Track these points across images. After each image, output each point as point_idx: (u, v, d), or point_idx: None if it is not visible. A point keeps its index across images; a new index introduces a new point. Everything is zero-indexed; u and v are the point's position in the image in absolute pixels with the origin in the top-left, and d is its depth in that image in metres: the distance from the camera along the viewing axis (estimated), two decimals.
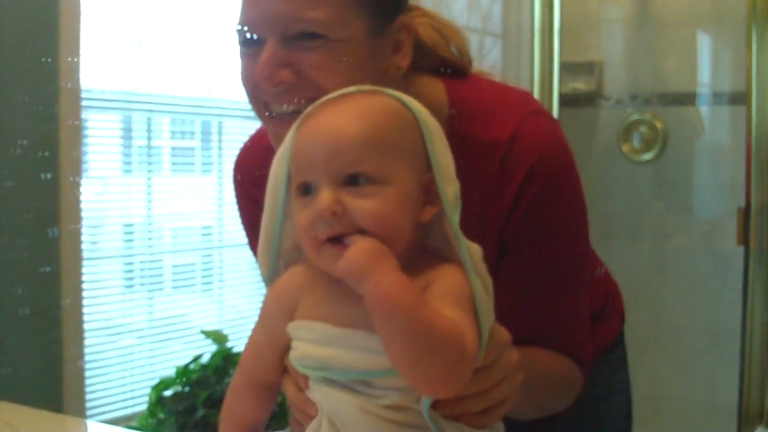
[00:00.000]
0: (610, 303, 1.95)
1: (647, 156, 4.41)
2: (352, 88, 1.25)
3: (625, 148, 4.43)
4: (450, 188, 1.20)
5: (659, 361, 4.40)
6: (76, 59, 3.03)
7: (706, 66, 4.54)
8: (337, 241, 1.14)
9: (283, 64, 1.40)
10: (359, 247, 1.11)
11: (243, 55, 1.47)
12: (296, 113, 1.33)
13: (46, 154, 2.94)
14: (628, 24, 4.61)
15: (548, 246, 1.56)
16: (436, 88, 1.60)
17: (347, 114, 1.19)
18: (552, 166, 1.54)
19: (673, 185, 4.50)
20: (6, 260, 2.87)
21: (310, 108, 1.24)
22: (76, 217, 3.08)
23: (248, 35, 1.45)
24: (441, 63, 1.63)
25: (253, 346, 1.30)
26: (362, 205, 1.14)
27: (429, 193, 1.19)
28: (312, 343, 1.18)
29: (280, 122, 1.44)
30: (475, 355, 1.12)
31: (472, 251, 1.19)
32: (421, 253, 1.21)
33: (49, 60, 2.97)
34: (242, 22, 1.45)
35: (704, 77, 4.53)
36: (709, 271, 4.39)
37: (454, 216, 1.18)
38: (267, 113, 1.47)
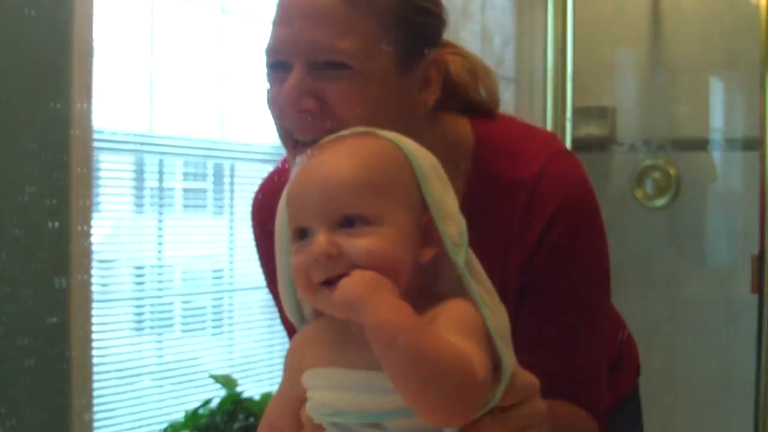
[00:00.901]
0: (625, 355, 1.93)
1: (660, 202, 4.40)
2: (345, 132, 1.26)
3: (638, 193, 4.42)
4: (451, 226, 1.20)
5: (672, 410, 4.36)
6: (87, 105, 3.03)
7: (719, 112, 4.54)
8: (333, 283, 1.12)
9: (309, 92, 1.40)
10: (355, 277, 1.10)
11: (270, 79, 1.47)
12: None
13: (54, 201, 2.93)
14: (641, 69, 4.61)
15: (569, 290, 1.54)
16: (462, 126, 1.59)
17: (339, 157, 1.20)
18: (577, 207, 1.54)
19: (687, 232, 4.48)
20: (11, 311, 2.86)
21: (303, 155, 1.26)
22: (86, 267, 3.07)
23: (276, 59, 1.44)
24: (469, 103, 1.62)
25: (277, 399, 1.30)
26: (357, 244, 1.14)
27: (428, 233, 1.19)
28: (323, 389, 1.17)
29: (302, 151, 1.39)
30: (486, 382, 1.11)
31: (483, 285, 1.20)
32: (427, 294, 1.20)
33: (59, 106, 2.96)
34: (270, 46, 1.45)
35: (717, 123, 4.53)
36: (722, 319, 4.36)
37: (457, 254, 1.18)
38: (291, 141, 1.46)
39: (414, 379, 1.06)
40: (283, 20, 1.44)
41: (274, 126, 1.50)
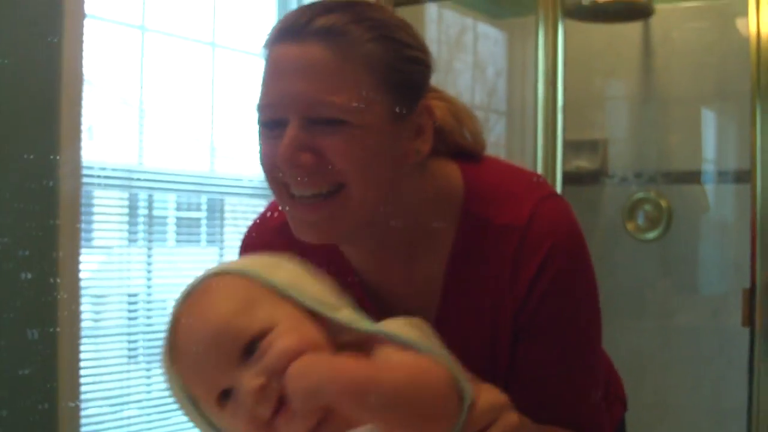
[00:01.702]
0: (611, 390, 1.93)
1: (652, 234, 4.39)
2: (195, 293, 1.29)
3: (630, 226, 4.41)
4: (340, 312, 1.25)
5: None
6: (76, 141, 3.02)
7: (711, 144, 4.54)
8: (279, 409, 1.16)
9: (305, 148, 1.41)
10: (295, 374, 1.11)
11: (263, 136, 1.48)
12: (316, 196, 1.43)
13: (27, 253, 2.91)
14: (632, 102, 4.61)
15: (562, 332, 1.56)
16: (452, 171, 1.61)
17: (200, 319, 1.23)
18: (567, 251, 1.55)
19: (678, 263, 4.48)
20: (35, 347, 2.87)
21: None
22: (74, 310, 3.07)
23: (269, 116, 1.45)
24: (455, 147, 1.64)
25: None
26: (272, 355, 1.17)
27: None
28: None
29: (300, 206, 1.46)
30: (444, 374, 1.16)
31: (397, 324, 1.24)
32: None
33: (48, 142, 2.96)
34: (263, 103, 1.46)
35: (709, 155, 4.52)
36: (714, 350, 4.35)
37: (359, 326, 1.23)
38: (286, 195, 1.47)
39: (397, 412, 1.10)
40: (275, 76, 1.45)
41: (267, 180, 1.50)
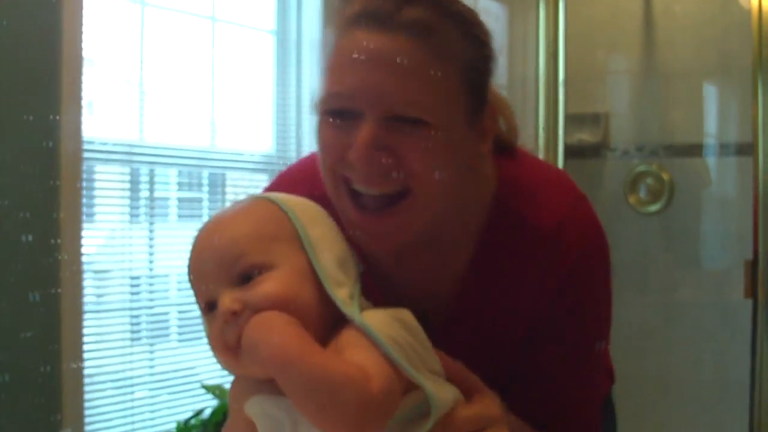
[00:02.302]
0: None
1: (654, 207, 4.40)
2: (229, 206, 1.33)
3: (632, 199, 4.41)
4: (341, 290, 1.23)
5: (667, 414, 4.36)
6: (76, 115, 3.02)
7: (713, 117, 4.54)
8: None
9: (383, 147, 1.33)
10: (251, 323, 1.14)
11: (326, 125, 1.40)
12: (382, 197, 1.37)
13: (27, 215, 2.91)
14: (634, 75, 4.61)
15: (577, 334, 1.55)
16: (488, 165, 1.56)
17: (223, 226, 1.27)
18: (595, 257, 1.55)
19: (680, 237, 4.48)
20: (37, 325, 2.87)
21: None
22: (77, 279, 3.06)
23: (341, 106, 1.37)
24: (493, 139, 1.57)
25: None
26: (256, 291, 1.18)
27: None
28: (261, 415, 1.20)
29: (358, 210, 1.39)
30: (386, 391, 1.13)
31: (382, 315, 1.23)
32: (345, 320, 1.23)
33: (49, 116, 2.96)
34: (334, 91, 1.37)
35: (710, 128, 4.52)
36: (717, 323, 4.36)
37: (351, 312, 1.20)
38: (346, 190, 1.40)
39: (310, 399, 1.10)
40: (353, 65, 1.35)
41: (325, 171, 1.43)
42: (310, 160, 1.59)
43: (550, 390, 1.53)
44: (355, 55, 1.34)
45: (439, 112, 1.34)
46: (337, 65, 1.37)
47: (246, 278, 1.20)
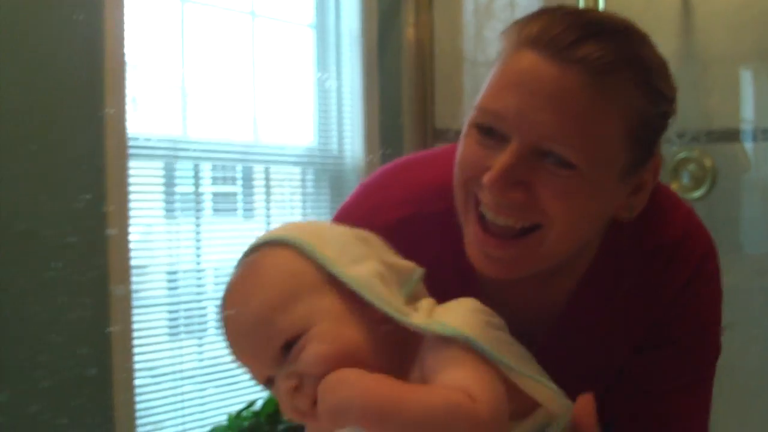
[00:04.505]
0: None
1: (697, 194, 4.37)
2: (238, 272, 1.25)
3: (675, 186, 4.39)
4: (374, 288, 1.16)
5: (714, 401, 4.33)
6: (120, 112, 3.04)
7: (752, 102, 4.51)
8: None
9: (520, 179, 1.27)
10: (321, 394, 1.09)
11: (471, 137, 1.34)
12: (509, 228, 1.30)
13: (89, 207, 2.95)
14: (672, 61, 4.56)
15: (690, 352, 1.51)
16: None
17: (243, 308, 1.20)
18: (711, 268, 1.50)
19: (724, 222, 4.45)
20: (71, 319, 2.89)
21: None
22: (125, 274, 3.09)
23: (491, 124, 1.30)
24: None
25: None
26: (303, 362, 1.14)
27: None
28: None
29: (482, 231, 1.33)
30: (494, 408, 1.07)
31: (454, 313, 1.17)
32: (412, 341, 1.17)
33: (94, 113, 2.99)
34: (489, 107, 1.30)
35: (748, 113, 4.49)
36: (761, 309, 4.33)
37: (394, 312, 1.15)
38: (474, 209, 1.34)
39: None
40: (515, 86, 1.28)
41: (457, 183, 1.38)
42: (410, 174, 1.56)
43: (661, 410, 1.50)
44: (519, 77, 1.28)
45: (591, 158, 1.26)
46: (498, 82, 1.30)
47: (287, 348, 1.15)
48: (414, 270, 1.24)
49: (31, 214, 2.82)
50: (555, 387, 1.18)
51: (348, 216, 1.52)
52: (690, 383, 1.52)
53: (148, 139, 3.35)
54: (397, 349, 1.15)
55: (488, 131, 1.30)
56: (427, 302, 1.20)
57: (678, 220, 1.48)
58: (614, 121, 1.26)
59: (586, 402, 1.22)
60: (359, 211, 1.54)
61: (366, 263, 1.19)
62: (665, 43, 4.43)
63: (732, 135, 4.44)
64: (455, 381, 1.07)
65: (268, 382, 1.20)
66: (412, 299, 1.20)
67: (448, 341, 1.11)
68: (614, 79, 1.26)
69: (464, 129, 1.35)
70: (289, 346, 1.15)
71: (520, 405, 1.15)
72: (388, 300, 1.15)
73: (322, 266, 1.18)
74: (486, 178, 1.27)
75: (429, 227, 1.34)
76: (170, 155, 3.50)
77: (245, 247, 1.26)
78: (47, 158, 2.86)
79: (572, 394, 1.24)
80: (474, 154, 1.32)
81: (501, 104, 1.28)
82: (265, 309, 1.17)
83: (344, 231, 1.26)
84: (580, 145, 1.24)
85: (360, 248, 1.22)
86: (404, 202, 1.50)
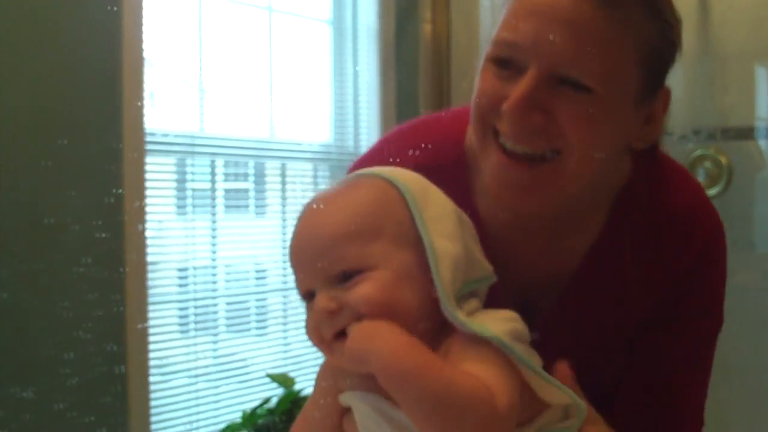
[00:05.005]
0: None
1: (713, 191, 4.35)
2: (335, 185, 1.25)
3: None
4: (445, 269, 1.16)
5: (727, 401, 4.33)
6: (138, 108, 3.04)
7: (765, 99, 4.49)
8: (342, 335, 1.14)
9: (539, 105, 1.30)
10: (355, 333, 1.11)
11: (488, 72, 1.37)
12: (528, 156, 1.32)
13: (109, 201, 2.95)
14: (689, 58, 4.56)
15: (696, 324, 1.53)
16: (627, 158, 1.51)
17: (325, 216, 1.20)
18: (721, 242, 1.54)
19: (740, 220, 4.44)
20: (101, 316, 2.89)
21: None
22: (142, 268, 3.09)
23: (506, 54, 1.34)
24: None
25: (305, 419, 1.29)
26: (354, 294, 1.14)
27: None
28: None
29: (505, 156, 1.35)
30: (510, 408, 1.08)
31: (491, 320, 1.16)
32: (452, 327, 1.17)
33: (112, 109, 2.99)
34: (504, 38, 1.34)
35: (764, 111, 4.47)
36: None
37: (446, 301, 1.14)
38: (493, 141, 1.37)
39: (429, 418, 1.06)
40: (530, 15, 1.31)
41: (474, 117, 1.40)
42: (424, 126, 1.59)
43: (666, 381, 1.51)
44: (534, 7, 1.31)
45: (606, 82, 1.29)
46: (513, 13, 1.33)
47: (345, 276, 1.15)
48: (489, 276, 1.25)
49: (46, 210, 2.82)
50: (573, 393, 1.18)
51: (363, 166, 1.51)
52: (695, 356, 1.54)
53: (165, 135, 3.34)
54: (429, 334, 1.14)
55: (505, 63, 1.33)
56: (475, 303, 1.21)
57: (689, 191, 1.52)
58: (627, 48, 1.31)
59: (563, 368, 1.25)
60: (374, 161, 1.54)
61: (453, 242, 1.19)
62: (683, 38, 4.40)
63: (748, 132, 4.43)
64: (481, 373, 1.08)
65: (307, 295, 1.20)
66: (467, 296, 1.20)
67: (482, 341, 1.12)
68: (626, 7, 1.30)
69: (480, 65, 1.38)
70: (346, 275, 1.15)
71: (535, 407, 1.17)
72: (449, 286, 1.15)
73: (414, 223, 1.18)
74: (506, 106, 1.31)
75: (442, 178, 1.33)
76: (187, 151, 3.49)
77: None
78: (64, 154, 2.86)
79: (577, 361, 1.27)
80: (492, 86, 1.34)
81: (518, 34, 1.31)
82: (344, 230, 1.17)
83: (449, 203, 1.25)
84: (596, 69, 1.28)
85: (455, 226, 1.21)
86: (419, 152, 1.53)
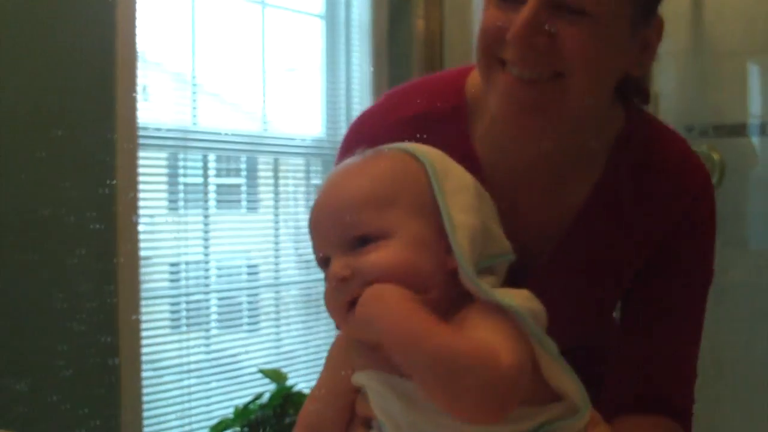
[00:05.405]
0: None
1: None
2: (357, 157, 1.26)
3: None
4: (464, 239, 1.16)
5: (720, 396, 4.33)
6: (131, 102, 3.04)
7: (758, 97, 4.49)
8: (355, 306, 1.14)
9: (541, 30, 1.35)
10: (363, 297, 1.11)
11: (491, 6, 1.41)
12: (532, 81, 1.37)
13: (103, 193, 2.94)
14: (682, 55, 4.57)
15: (690, 273, 1.56)
16: (618, 107, 1.57)
17: (343, 182, 1.22)
18: (710, 193, 1.59)
19: (731, 217, 4.44)
20: (95, 308, 2.89)
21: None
22: (134, 262, 3.08)
23: None
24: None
25: (315, 399, 1.29)
26: (367, 260, 1.15)
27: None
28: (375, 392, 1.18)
29: (513, 81, 1.39)
30: (517, 369, 1.07)
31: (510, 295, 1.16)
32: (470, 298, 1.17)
33: (105, 103, 2.99)
34: None
35: (756, 108, 4.48)
36: (766, 305, 4.33)
37: (466, 269, 1.14)
38: (500, 71, 1.41)
39: (433, 382, 1.06)
40: None
41: (479, 52, 1.44)
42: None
43: (662, 328, 1.55)
44: None
45: (601, 5, 1.34)
46: None
47: (361, 242, 1.16)
48: (507, 253, 1.25)
49: (40, 201, 2.82)
50: (580, 384, 1.18)
51: (366, 117, 1.64)
52: (690, 304, 1.58)
53: (158, 129, 3.34)
54: (443, 306, 1.14)
55: None
56: (492, 279, 1.21)
57: (679, 140, 1.61)
58: None
59: None
60: (376, 112, 1.63)
61: (471, 216, 1.19)
62: (675, 36, 4.40)
63: (740, 129, 4.43)
64: (488, 337, 1.08)
65: (323, 261, 1.21)
66: (485, 272, 1.20)
67: (498, 313, 1.12)
68: None
69: (483, 5, 1.43)
70: (362, 240, 1.16)
71: (545, 394, 1.17)
72: (468, 258, 1.15)
73: (433, 194, 1.19)
74: (510, 33, 1.36)
75: (440, 123, 1.41)
76: (179, 146, 3.48)
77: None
78: (58, 146, 2.86)
79: (574, 309, 1.36)
80: (495, 18, 1.39)
81: None
82: (362, 196, 1.18)
83: (469, 178, 1.26)
84: None
85: (474, 200, 1.22)
86: (418, 99, 1.57)
